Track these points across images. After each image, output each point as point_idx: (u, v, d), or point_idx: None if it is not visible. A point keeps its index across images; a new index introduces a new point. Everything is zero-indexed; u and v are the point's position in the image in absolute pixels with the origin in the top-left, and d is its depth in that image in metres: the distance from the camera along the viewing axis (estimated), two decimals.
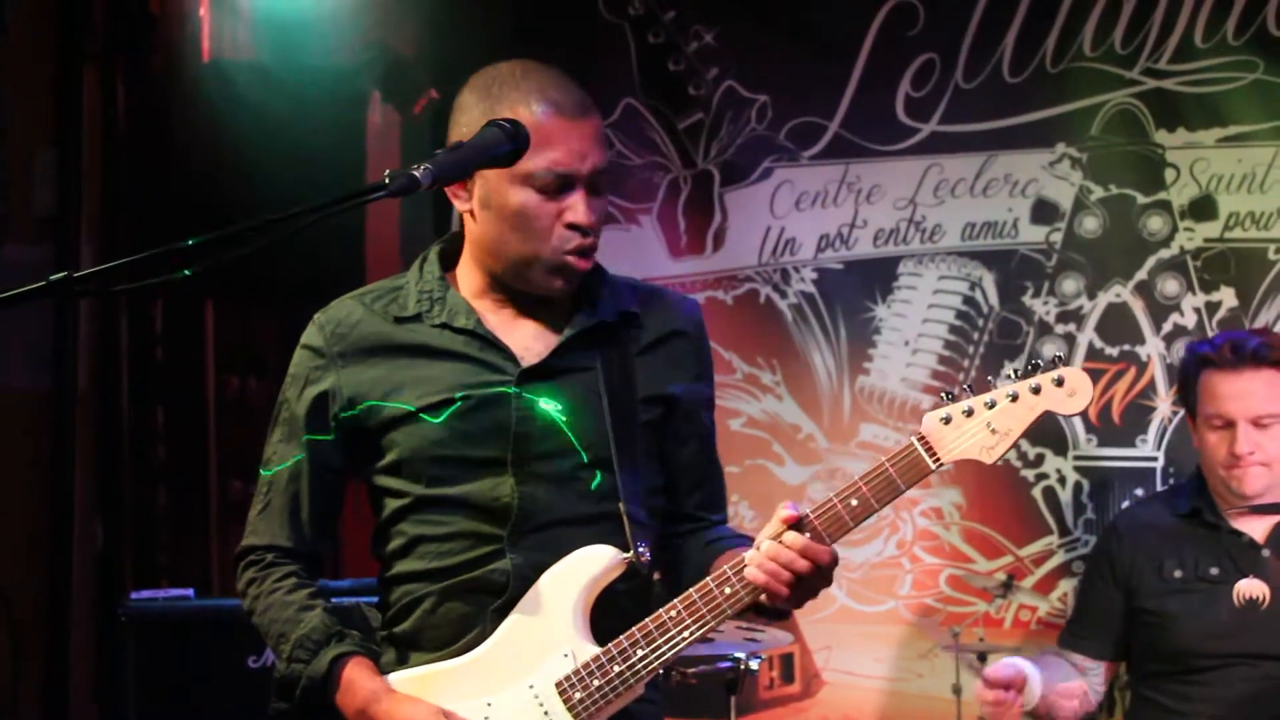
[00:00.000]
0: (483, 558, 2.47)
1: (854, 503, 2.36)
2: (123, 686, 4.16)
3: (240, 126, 5.09)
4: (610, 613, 2.46)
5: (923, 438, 2.37)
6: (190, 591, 4.31)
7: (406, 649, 2.52)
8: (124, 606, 4.21)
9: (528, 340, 2.51)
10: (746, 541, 2.51)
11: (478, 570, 2.47)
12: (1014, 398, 2.36)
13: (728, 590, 2.37)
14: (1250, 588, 3.52)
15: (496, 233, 2.46)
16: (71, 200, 5.10)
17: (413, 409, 2.48)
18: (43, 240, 5.06)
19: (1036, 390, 2.35)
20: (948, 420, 2.36)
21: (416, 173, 2.18)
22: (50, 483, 5.06)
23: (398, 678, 2.45)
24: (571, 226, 2.43)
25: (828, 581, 2.36)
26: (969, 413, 2.36)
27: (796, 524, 2.35)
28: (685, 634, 2.39)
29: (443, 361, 2.50)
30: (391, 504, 2.53)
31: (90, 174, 5.17)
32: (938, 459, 2.37)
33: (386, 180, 2.16)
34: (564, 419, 2.49)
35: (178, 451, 5.31)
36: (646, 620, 2.41)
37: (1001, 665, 3.56)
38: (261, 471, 2.61)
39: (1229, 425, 3.57)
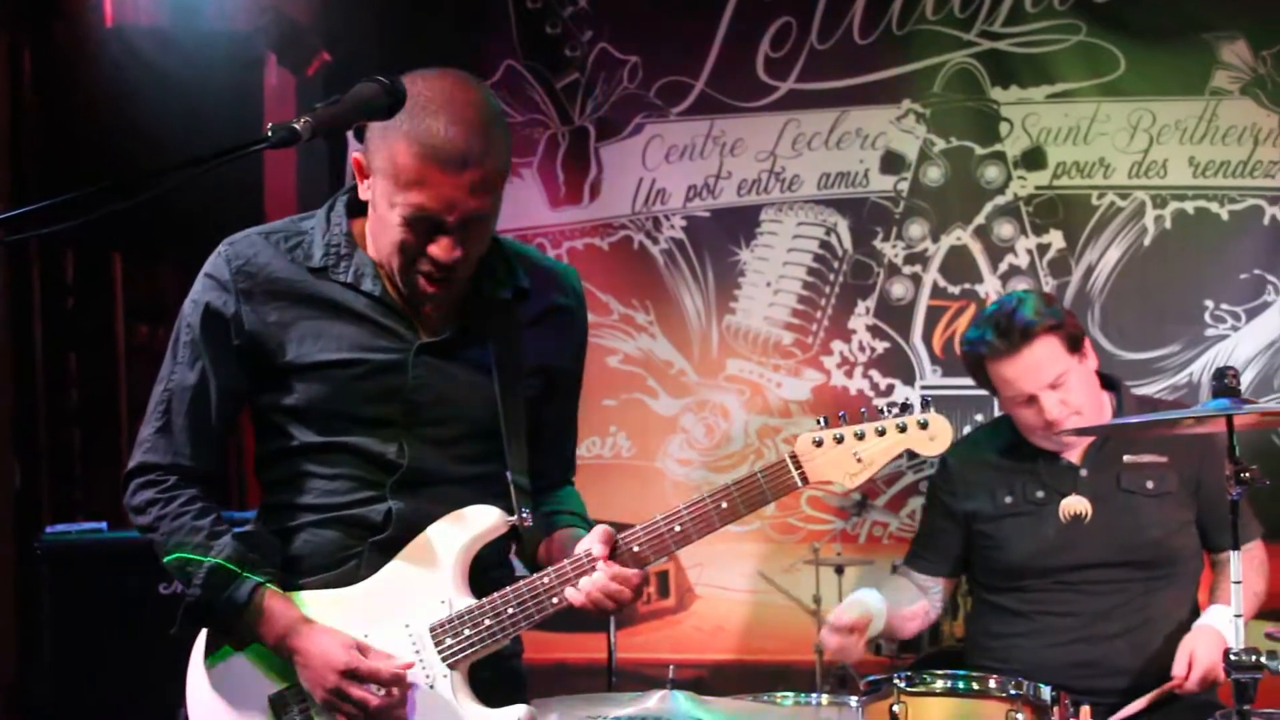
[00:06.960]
0: (366, 500, 2.56)
1: (724, 505, 2.48)
2: (40, 612, 4.23)
3: (143, 88, 5.13)
4: (481, 568, 2.58)
5: (795, 456, 2.48)
6: (104, 524, 4.38)
7: (287, 571, 2.57)
8: (39, 540, 4.26)
9: (428, 309, 2.56)
10: (579, 522, 2.68)
11: (360, 509, 2.56)
12: (881, 433, 2.49)
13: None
14: (1074, 504, 3.66)
15: (376, 228, 2.53)
16: None
17: (313, 362, 2.52)
18: None
19: (903, 429, 2.49)
20: (820, 444, 2.48)
21: (297, 125, 2.18)
22: None
23: None
24: (431, 260, 2.47)
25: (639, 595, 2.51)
26: (839, 440, 2.48)
27: (615, 545, 2.48)
28: (554, 600, 2.50)
29: (347, 320, 2.54)
30: (282, 442, 2.58)
31: None
32: (805, 477, 2.48)
33: (269, 133, 2.16)
34: (456, 391, 2.56)
35: (90, 395, 5.35)
36: (520, 583, 2.51)
37: (847, 606, 3.64)
38: (158, 390, 2.59)
39: (1032, 399, 3.64)
